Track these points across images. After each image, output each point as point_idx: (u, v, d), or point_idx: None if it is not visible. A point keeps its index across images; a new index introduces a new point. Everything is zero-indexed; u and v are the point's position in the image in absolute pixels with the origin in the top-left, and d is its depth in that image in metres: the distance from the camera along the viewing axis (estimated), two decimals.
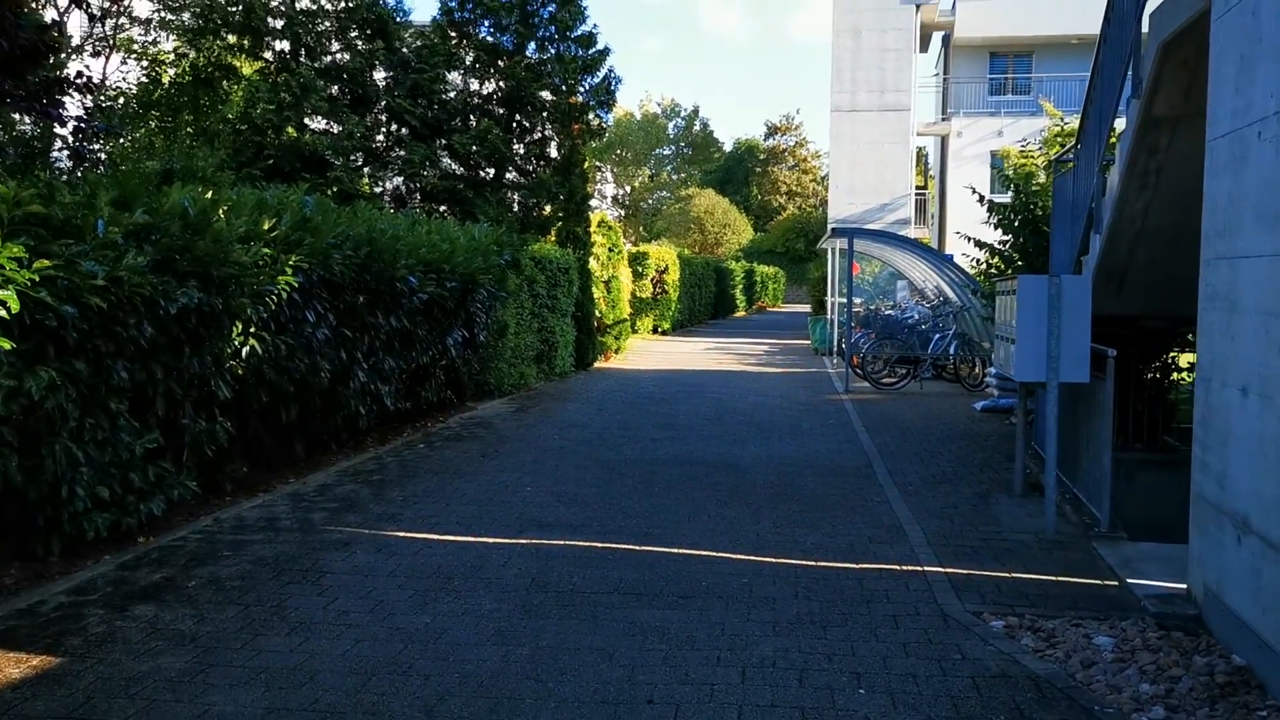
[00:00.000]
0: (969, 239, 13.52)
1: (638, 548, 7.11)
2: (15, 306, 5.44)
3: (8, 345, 5.48)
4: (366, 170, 18.64)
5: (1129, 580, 6.38)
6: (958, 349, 17.95)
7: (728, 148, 78.41)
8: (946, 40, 38.03)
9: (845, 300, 19.61)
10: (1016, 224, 12.50)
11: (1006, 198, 13.38)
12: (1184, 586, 6.10)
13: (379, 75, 18.74)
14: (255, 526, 7.52)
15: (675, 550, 7.05)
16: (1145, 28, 7.62)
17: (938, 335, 18.33)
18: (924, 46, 39.64)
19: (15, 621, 5.43)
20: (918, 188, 39.92)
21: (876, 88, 35.87)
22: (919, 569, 6.66)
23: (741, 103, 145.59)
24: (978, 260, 13.87)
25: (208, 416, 7.79)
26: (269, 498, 8.48)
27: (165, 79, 16.93)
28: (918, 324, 19.33)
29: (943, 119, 37.47)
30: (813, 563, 6.78)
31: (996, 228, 12.82)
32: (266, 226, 8.47)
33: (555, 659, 5.06)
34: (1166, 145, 7.72)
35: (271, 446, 9.26)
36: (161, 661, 4.93)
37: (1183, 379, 11.46)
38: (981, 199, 13.34)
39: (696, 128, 71.88)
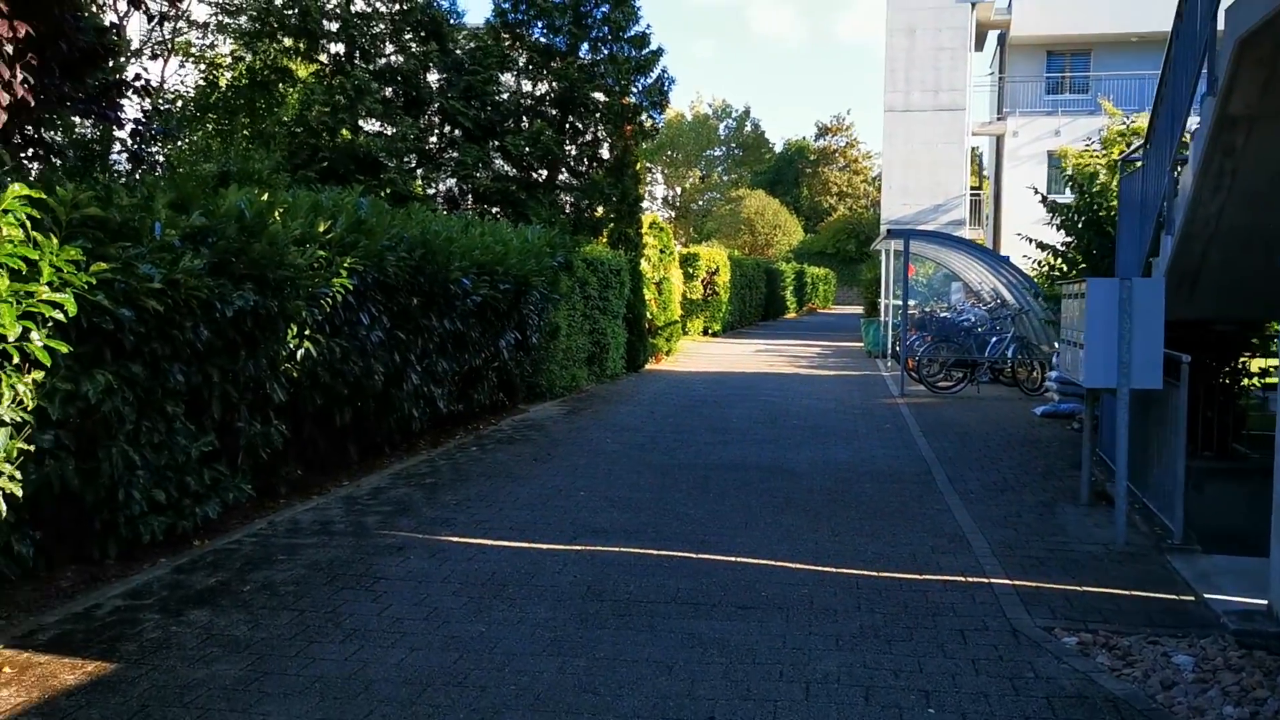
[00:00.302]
0: (1030, 240, 13.21)
1: (694, 555, 6.98)
2: (73, 310, 5.43)
3: (65, 349, 5.47)
4: (420, 172, 18.66)
5: (1206, 595, 6.15)
6: (1016, 352, 17.61)
7: (778, 149, 77.97)
8: (1002, 39, 37.47)
9: (900, 302, 19.32)
10: (1080, 224, 12.19)
11: (1067, 198, 13.07)
12: (1264, 603, 5.85)
13: (432, 77, 18.75)
14: (309, 530, 7.49)
15: (732, 558, 6.91)
16: (1220, 24, 7.36)
17: (995, 338, 18.00)
18: (979, 45, 39.09)
19: (71, 626, 5.42)
20: (972, 188, 39.39)
21: (931, 87, 35.41)
22: (985, 580, 6.46)
23: (792, 104, 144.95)
24: (1039, 262, 13.55)
25: (263, 419, 7.78)
26: (323, 501, 8.46)
27: (222, 82, 17.05)
28: (974, 326, 18.99)
29: (998, 118, 36.93)
30: (874, 573, 6.60)
31: (1059, 229, 12.51)
32: (322, 229, 8.45)
33: (613, 671, 4.94)
34: (1242, 144, 7.44)
35: (325, 449, 9.24)
36: (216, 669, 4.88)
37: (1253, 385, 11.11)
38: (1043, 199, 13.05)
39: (747, 128, 71.51)
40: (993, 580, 6.46)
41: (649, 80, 20.04)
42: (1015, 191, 33.37)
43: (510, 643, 5.31)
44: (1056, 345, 13.85)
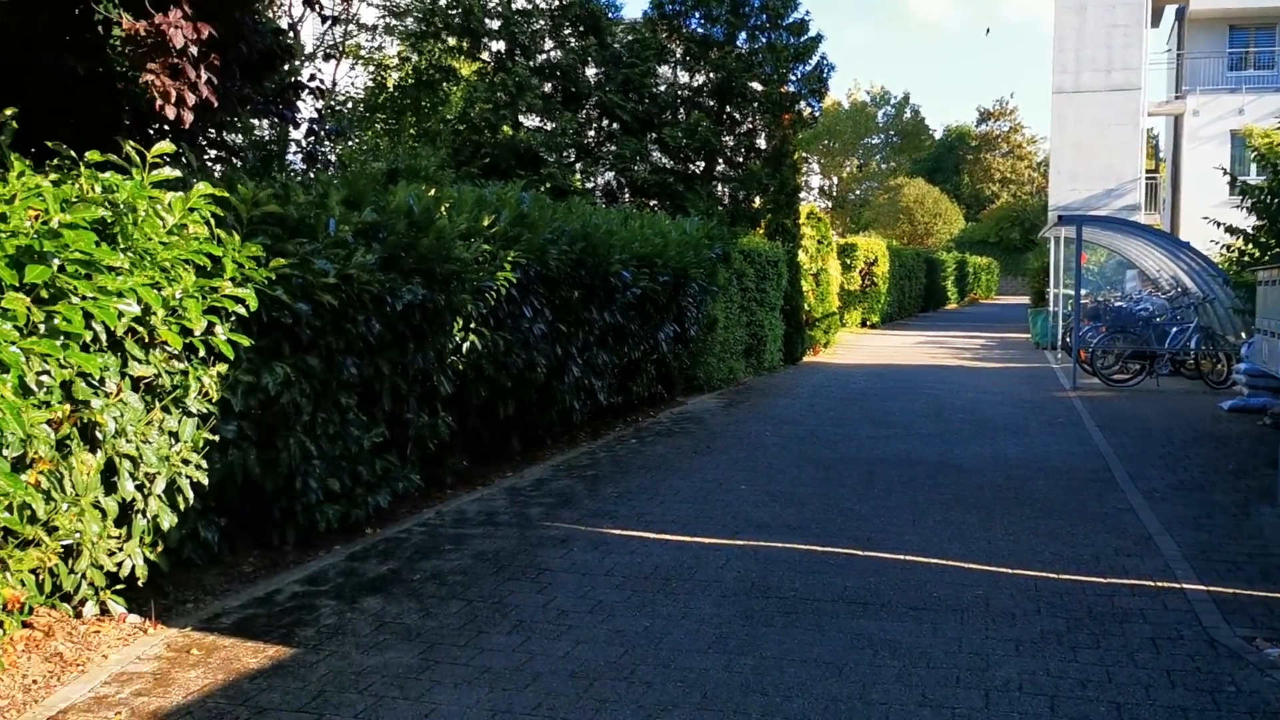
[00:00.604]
0: (1218, 224, 12.45)
1: (860, 553, 6.79)
2: (254, 304, 5.61)
3: (247, 342, 5.66)
4: (578, 166, 18.85)
5: None
6: (1199, 343, 16.64)
7: (938, 135, 75.99)
8: (1180, 14, 35.54)
9: (1071, 292, 18.51)
10: (1275, 207, 11.42)
11: (1254, 179, 12.26)
12: None
13: (590, 71, 18.92)
14: (475, 521, 7.60)
15: (901, 556, 6.69)
16: None
17: (1176, 328, 17.04)
18: (1155, 21, 37.17)
19: (253, 610, 5.61)
20: (1148, 171, 37.50)
21: (1103, 66, 33.79)
22: (1177, 586, 6.07)
23: (952, 89, 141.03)
24: (1226, 247, 12.76)
25: (430, 411, 7.93)
26: (487, 492, 8.58)
27: (389, 83, 17.56)
28: (1152, 316, 18.03)
29: (1176, 97, 35.06)
30: (1054, 575, 6.29)
31: (1250, 211, 11.75)
32: (486, 223, 8.56)
33: (780, 671, 4.82)
34: None
35: (489, 441, 9.38)
36: (389, 656, 4.97)
37: None
38: (1233, 181, 12.31)
39: (906, 115, 70.01)
40: (1185, 586, 6.07)
41: (807, 68, 19.75)
42: (1195, 174, 31.63)
43: (675, 638, 5.25)
44: (1245, 335, 13.02)
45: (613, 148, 18.91)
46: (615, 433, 11.59)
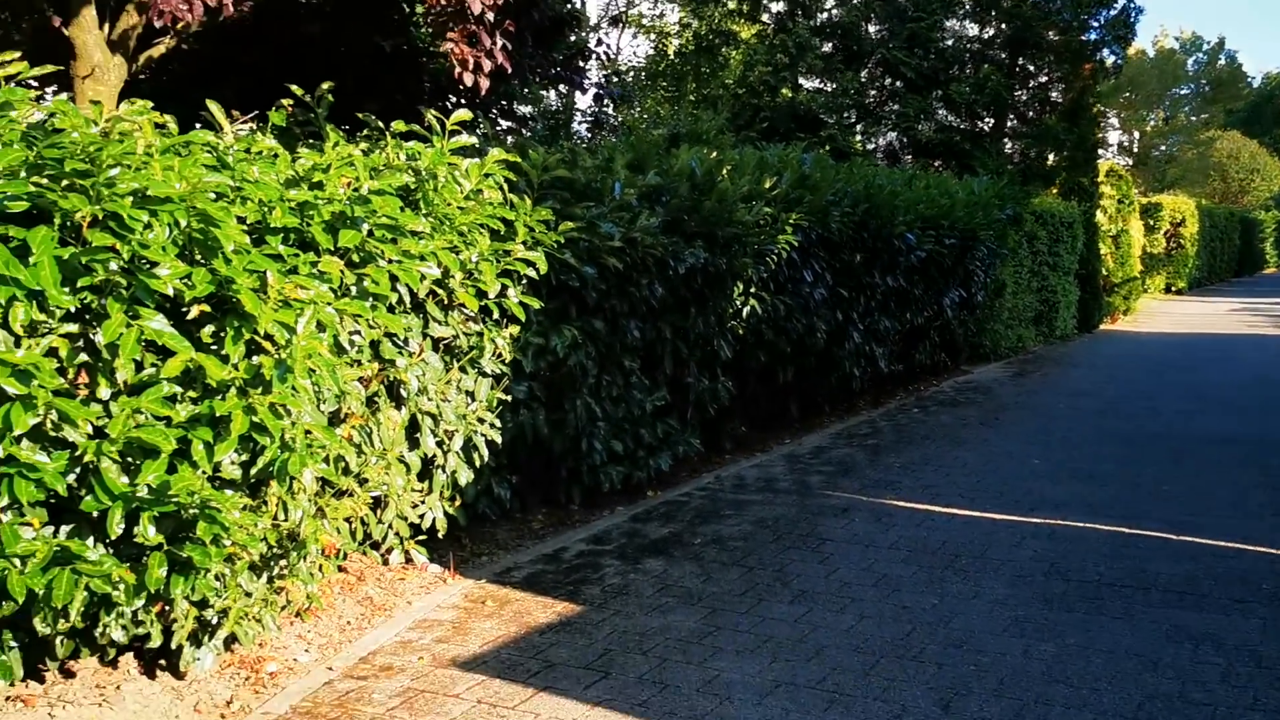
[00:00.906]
0: None
1: (1173, 537, 6.24)
2: (544, 267, 5.72)
3: (537, 304, 5.79)
4: (859, 127, 18.36)
5: None
6: None
7: (1255, 83, 69.14)
8: None
9: None
10: None
11: None
12: None
13: (872, 28, 18.35)
14: (754, 487, 7.54)
15: (1221, 543, 6.10)
16: None
17: None
18: None
19: (542, 566, 5.77)
20: None
21: None
22: None
23: (1273, 31, 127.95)
24: None
25: (710, 376, 7.92)
26: (765, 458, 8.50)
27: (670, 50, 17.70)
28: None
29: None
30: None
31: None
32: (767, 185, 8.44)
33: (1086, 661, 4.48)
34: None
35: (767, 407, 9.30)
36: (671, 619, 4.98)
37: None
38: None
39: (1220, 62, 64.06)
40: None
41: (1111, 12, 18.33)
42: None
43: (967, 619, 4.98)
44: None
45: (895, 107, 18.31)
46: (896, 401, 11.24)
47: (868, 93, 18.52)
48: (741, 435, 8.92)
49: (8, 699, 3.86)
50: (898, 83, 18.36)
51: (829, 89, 17.29)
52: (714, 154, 8.33)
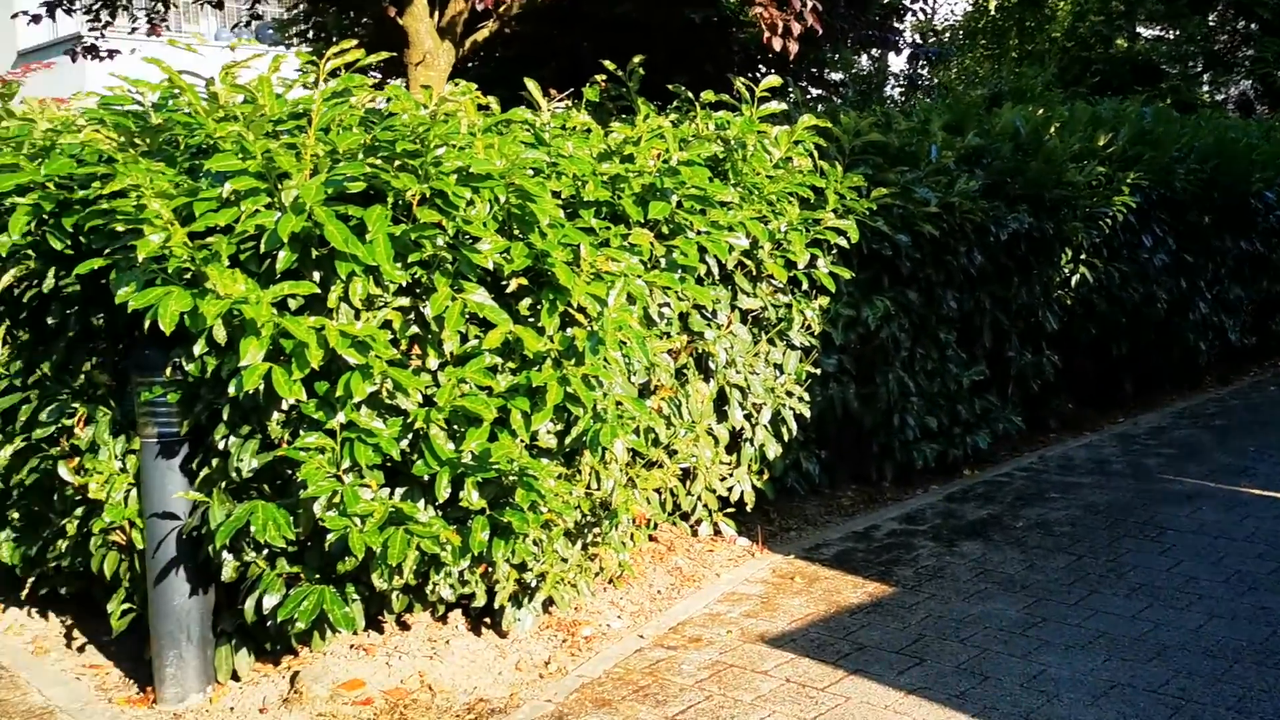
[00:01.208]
0: None
1: None
2: (855, 236, 5.53)
3: (848, 275, 5.61)
4: (1205, 76, 16.72)
5: None
6: None
7: None
8: None
9: None
10: None
11: None
12: None
13: None
14: (1083, 469, 7.01)
15: None
16: None
17: None
18: None
19: (851, 544, 5.61)
20: None
21: None
22: None
23: None
24: None
25: (1033, 349, 7.43)
26: (1095, 437, 7.90)
27: (991, 4, 16.83)
28: None
29: None
30: None
31: None
32: (1101, 143, 7.80)
33: None
34: None
35: (1095, 383, 8.63)
36: (990, 607, 4.69)
37: None
38: None
39: None
40: None
41: None
42: None
43: None
44: None
45: (1249, 51, 16.50)
46: (1249, 378, 10.16)
47: (1216, 38, 16.80)
48: (1068, 413, 8.32)
49: (352, 647, 4.16)
50: (1252, 25, 16.53)
51: (1171, 36, 15.83)
52: (1040, 111, 7.78)
